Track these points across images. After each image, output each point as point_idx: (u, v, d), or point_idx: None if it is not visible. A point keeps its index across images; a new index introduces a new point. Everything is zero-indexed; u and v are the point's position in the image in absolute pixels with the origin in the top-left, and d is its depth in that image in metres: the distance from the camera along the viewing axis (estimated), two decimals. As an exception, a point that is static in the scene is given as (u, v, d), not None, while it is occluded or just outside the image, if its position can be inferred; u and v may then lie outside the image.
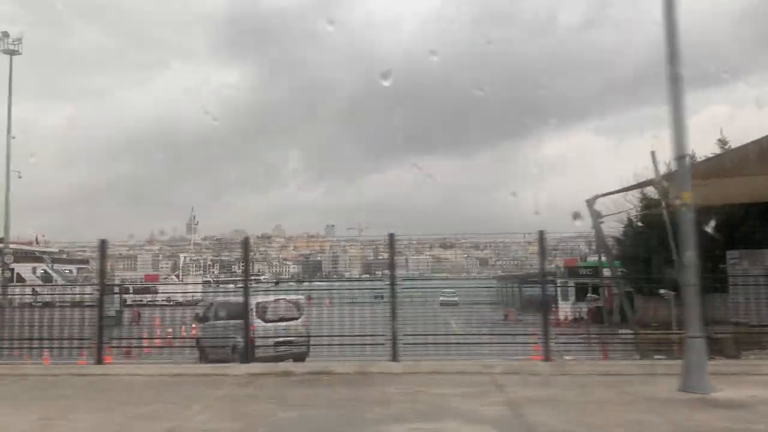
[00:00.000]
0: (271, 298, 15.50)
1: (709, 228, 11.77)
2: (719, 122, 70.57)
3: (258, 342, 12.01)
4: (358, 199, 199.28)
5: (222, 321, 14.00)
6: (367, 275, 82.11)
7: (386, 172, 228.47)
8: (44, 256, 66.21)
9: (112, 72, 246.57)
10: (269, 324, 14.00)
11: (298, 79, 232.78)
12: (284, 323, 14.25)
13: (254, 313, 13.26)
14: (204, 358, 13.57)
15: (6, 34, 39.62)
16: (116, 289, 16.81)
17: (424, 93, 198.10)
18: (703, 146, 26.93)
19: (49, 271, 62.69)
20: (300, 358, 13.32)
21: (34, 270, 59.94)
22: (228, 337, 12.79)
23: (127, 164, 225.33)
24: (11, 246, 66.82)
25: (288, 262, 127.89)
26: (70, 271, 63.19)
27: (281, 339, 13.58)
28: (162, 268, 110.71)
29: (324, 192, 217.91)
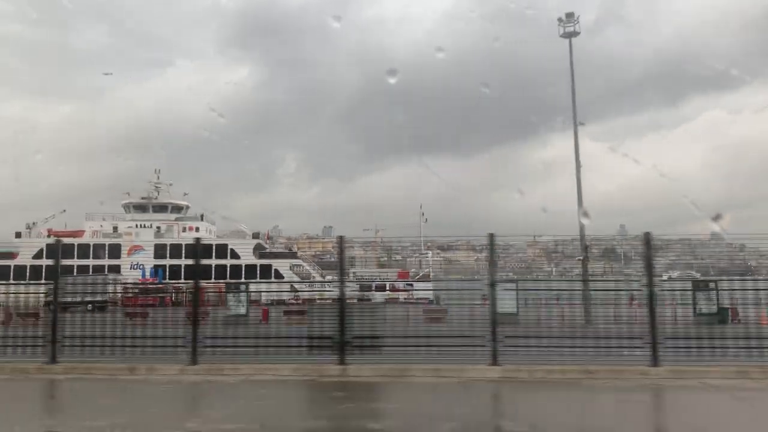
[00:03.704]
0: None
1: None
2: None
3: None
4: (355, 200, 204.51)
5: None
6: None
7: (385, 172, 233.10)
8: (299, 252, 71.15)
9: (120, 69, 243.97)
10: None
11: (305, 79, 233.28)
12: None
13: None
14: None
15: (570, 15, 32.83)
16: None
17: (432, 92, 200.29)
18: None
19: (308, 268, 66.45)
20: None
21: (291, 267, 64.60)
22: None
23: (126, 163, 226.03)
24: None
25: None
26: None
27: None
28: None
29: (320, 192, 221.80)
